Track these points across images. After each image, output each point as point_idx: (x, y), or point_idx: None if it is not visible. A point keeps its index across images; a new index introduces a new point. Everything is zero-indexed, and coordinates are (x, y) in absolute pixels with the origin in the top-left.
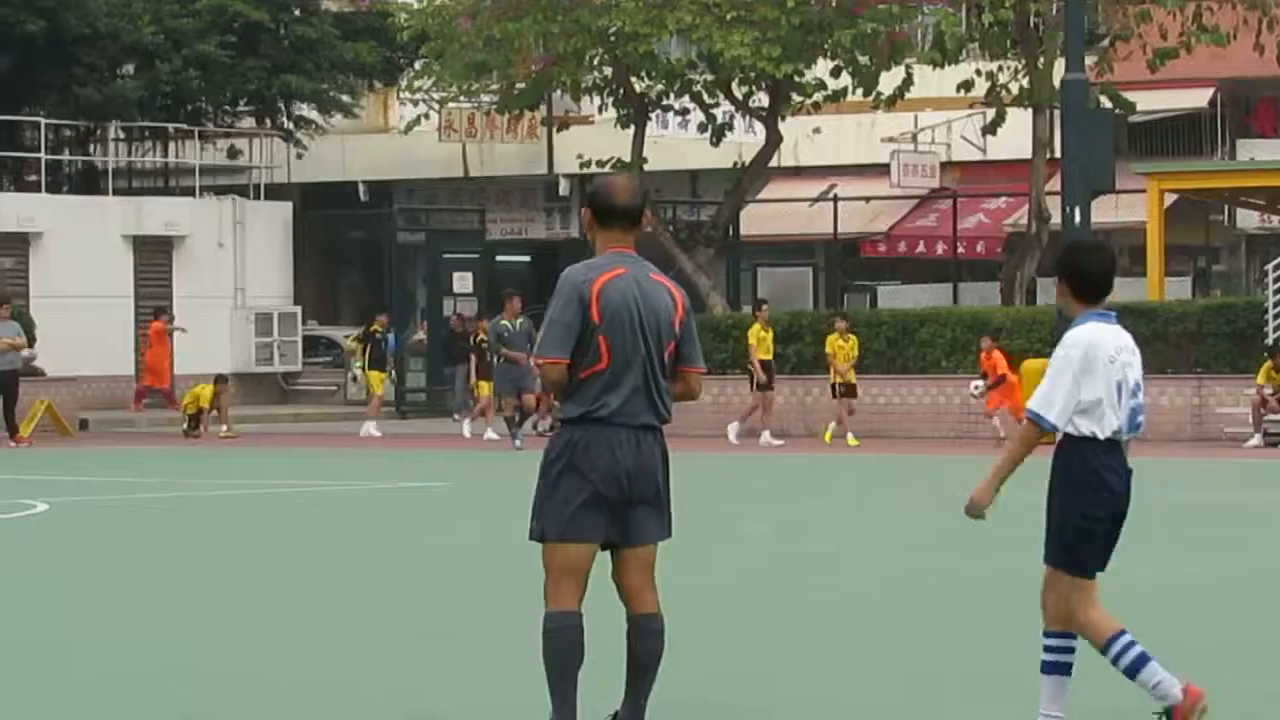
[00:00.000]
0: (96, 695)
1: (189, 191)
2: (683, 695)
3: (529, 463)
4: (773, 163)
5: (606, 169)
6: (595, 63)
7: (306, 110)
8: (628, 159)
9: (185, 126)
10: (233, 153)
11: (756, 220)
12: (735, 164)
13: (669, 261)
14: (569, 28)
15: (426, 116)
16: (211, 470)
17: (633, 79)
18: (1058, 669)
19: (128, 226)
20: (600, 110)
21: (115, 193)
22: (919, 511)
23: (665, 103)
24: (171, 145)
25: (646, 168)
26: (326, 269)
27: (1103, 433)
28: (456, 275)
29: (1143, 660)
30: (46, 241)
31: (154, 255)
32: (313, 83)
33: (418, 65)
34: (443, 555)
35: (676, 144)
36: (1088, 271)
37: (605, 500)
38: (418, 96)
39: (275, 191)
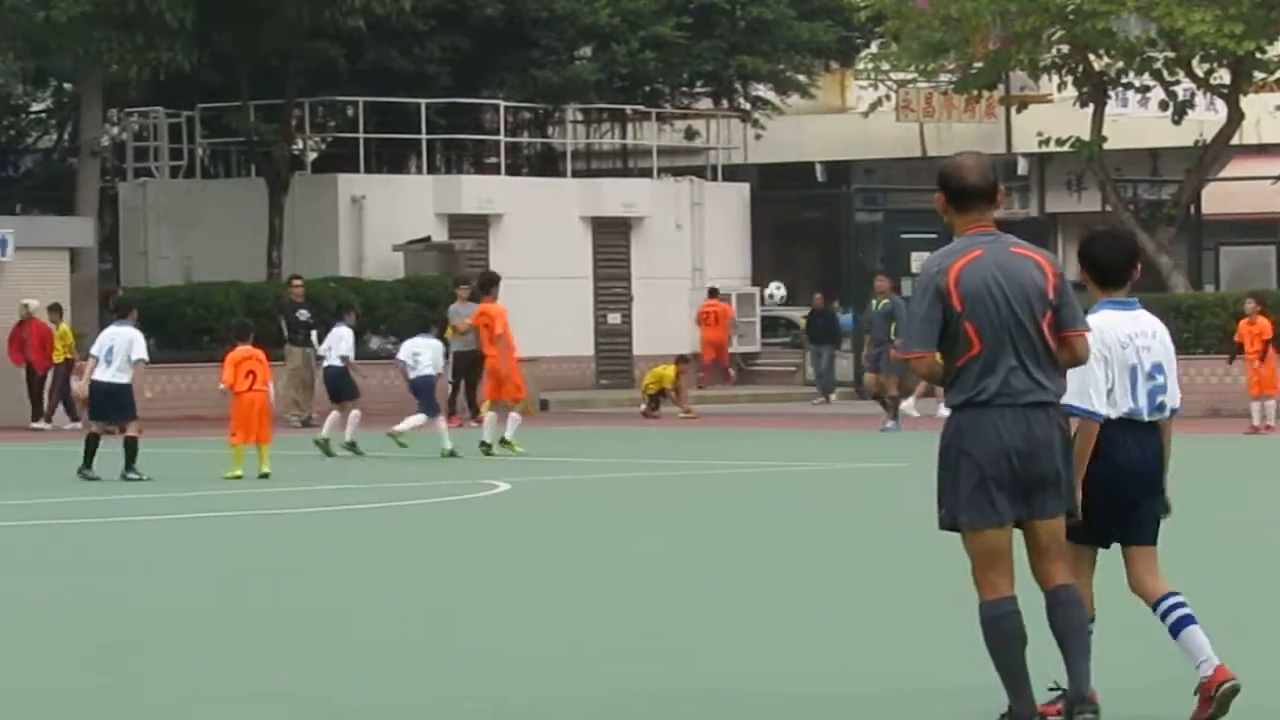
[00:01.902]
0: (621, 653)
1: (646, 173)
2: None
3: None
4: (1234, 140)
5: (1065, 148)
6: (1053, 41)
7: (763, 91)
8: (1086, 138)
9: (642, 108)
10: (690, 134)
11: (1218, 199)
12: (1196, 142)
13: None
14: (1026, 6)
15: (887, 98)
16: (669, 451)
17: (1091, 57)
18: (1181, 624)
19: (586, 208)
20: (1059, 89)
21: (573, 174)
22: None
23: (1124, 80)
24: (629, 127)
25: (1106, 146)
26: (784, 250)
27: (1115, 413)
28: (914, 255)
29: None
30: (506, 223)
31: (612, 236)
32: (769, 63)
33: (874, 46)
34: (887, 537)
35: (1136, 122)
36: (1101, 260)
37: (1000, 481)
38: (876, 78)
39: (732, 172)
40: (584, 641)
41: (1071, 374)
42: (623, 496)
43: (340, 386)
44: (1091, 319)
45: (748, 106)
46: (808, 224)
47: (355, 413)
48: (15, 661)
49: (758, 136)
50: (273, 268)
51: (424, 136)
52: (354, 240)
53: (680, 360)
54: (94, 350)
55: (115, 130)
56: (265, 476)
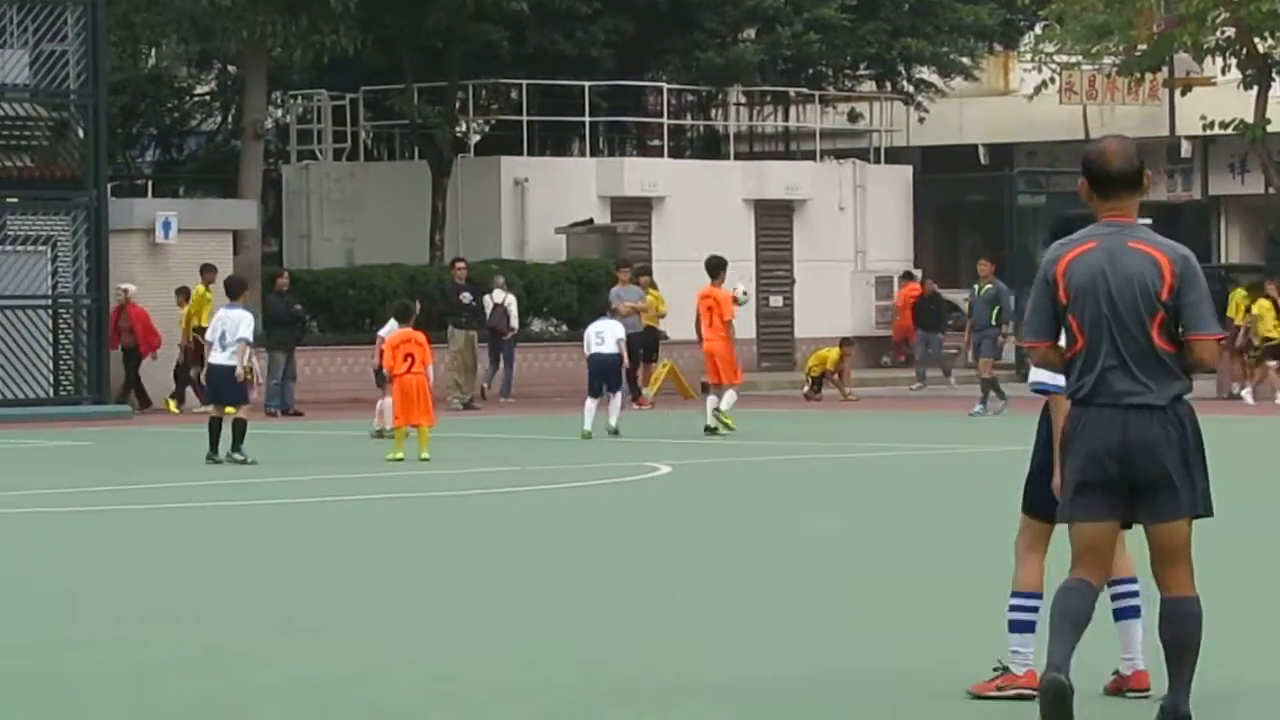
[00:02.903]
0: (797, 633)
1: (809, 155)
2: None
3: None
4: None
5: (1229, 130)
6: (1217, 23)
7: (926, 73)
8: (1250, 120)
9: (806, 90)
10: (853, 116)
11: None
12: None
13: None
14: None
15: (1052, 80)
16: (830, 433)
17: (1255, 39)
18: (1126, 614)
19: (749, 190)
20: (1223, 71)
21: (736, 157)
22: None
23: None
24: (792, 109)
25: (1270, 129)
26: (946, 232)
27: None
28: None
29: (1022, 628)
30: (669, 206)
31: (775, 219)
32: (933, 46)
33: (1038, 28)
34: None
35: None
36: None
37: (1096, 481)
38: (1039, 60)
39: (895, 155)
40: (759, 620)
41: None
42: (784, 478)
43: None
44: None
45: (911, 89)
46: (971, 207)
47: (386, 400)
48: (204, 628)
49: (921, 119)
50: (435, 250)
51: (587, 119)
52: (516, 223)
53: (844, 343)
54: (209, 334)
55: (279, 113)
56: (425, 460)
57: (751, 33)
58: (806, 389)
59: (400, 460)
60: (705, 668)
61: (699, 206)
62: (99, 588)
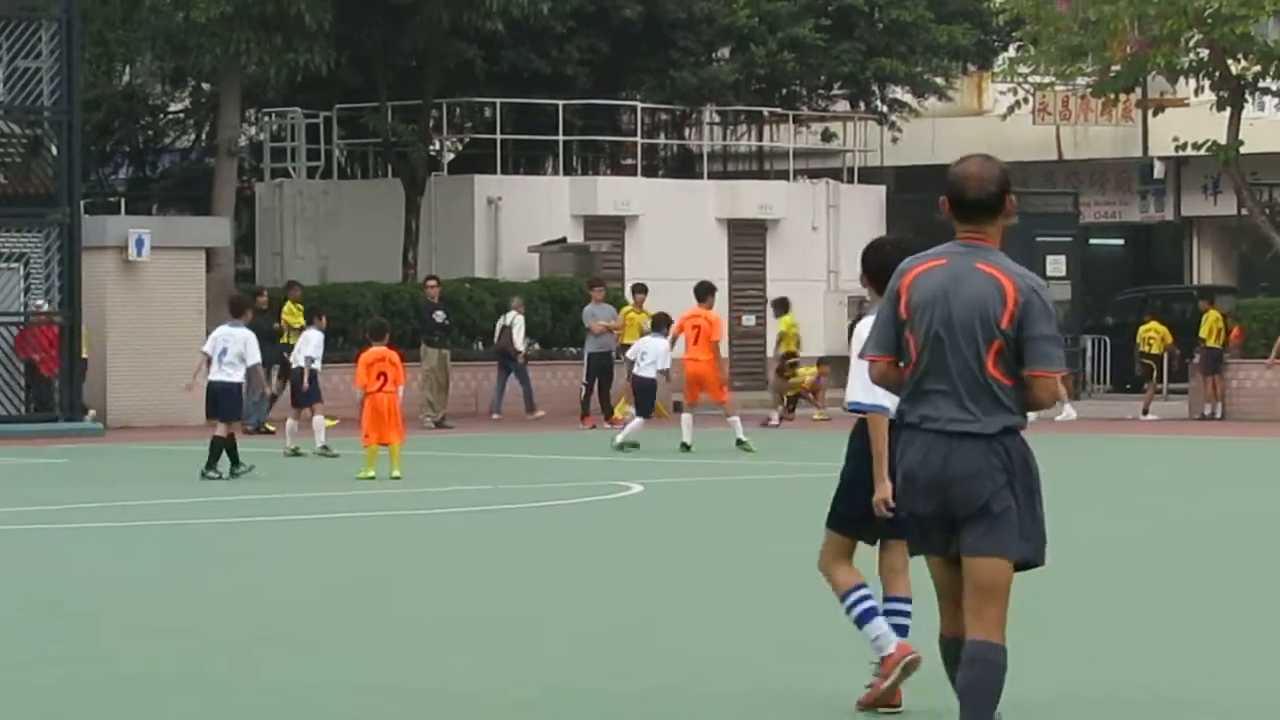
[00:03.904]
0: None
1: (783, 175)
2: None
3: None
4: None
5: (1202, 151)
6: (1191, 44)
7: (900, 93)
8: (1223, 141)
9: (780, 110)
10: (827, 136)
11: None
12: None
13: (1265, 244)
14: (1165, 9)
15: (1025, 101)
16: (803, 452)
17: (1229, 61)
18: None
19: (722, 209)
20: (1196, 92)
21: (710, 176)
22: None
23: (1262, 84)
24: (766, 129)
25: (1243, 150)
26: (920, 251)
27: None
28: (1050, 258)
29: (870, 615)
30: (642, 224)
31: (748, 238)
32: (907, 66)
33: (1012, 49)
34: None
35: (1273, 125)
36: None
37: (923, 511)
38: (1013, 81)
39: (869, 174)
40: (728, 639)
41: (856, 368)
42: (756, 497)
43: (305, 391)
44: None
45: (885, 109)
46: (944, 226)
47: (318, 418)
48: (142, 651)
49: (894, 139)
50: (408, 269)
51: (561, 138)
52: (490, 241)
53: (820, 363)
54: (207, 348)
55: (253, 130)
56: (397, 478)
57: (726, 52)
58: (781, 410)
59: (372, 479)
60: (675, 685)
61: (672, 225)
62: (76, 603)
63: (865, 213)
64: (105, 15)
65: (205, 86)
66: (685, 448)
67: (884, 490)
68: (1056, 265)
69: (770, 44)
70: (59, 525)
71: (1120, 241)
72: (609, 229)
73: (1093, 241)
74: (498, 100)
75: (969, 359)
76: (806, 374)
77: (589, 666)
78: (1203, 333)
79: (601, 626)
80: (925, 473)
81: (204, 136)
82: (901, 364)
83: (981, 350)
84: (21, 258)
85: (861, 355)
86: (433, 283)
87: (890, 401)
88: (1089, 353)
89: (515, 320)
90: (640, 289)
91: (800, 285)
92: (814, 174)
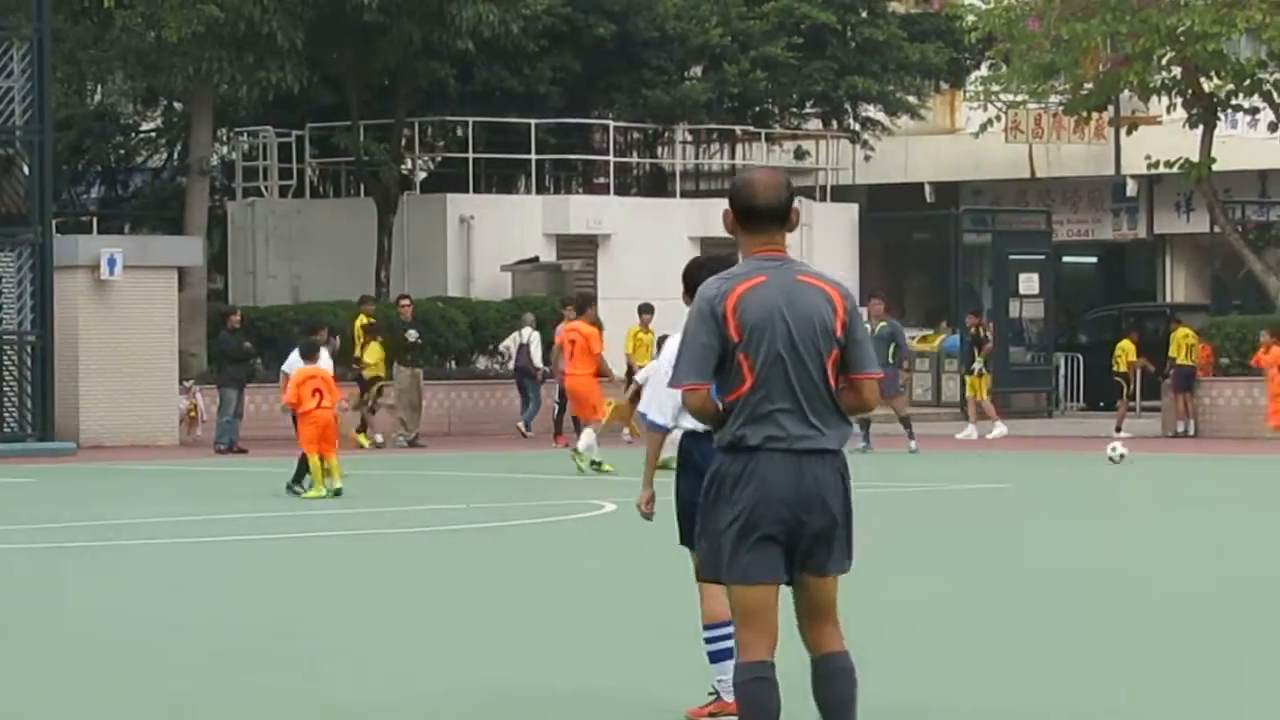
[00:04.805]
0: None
1: None
2: None
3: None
4: None
5: (1174, 169)
6: (1163, 63)
7: (873, 112)
8: (1195, 159)
9: (752, 128)
10: (799, 154)
11: None
12: None
13: (1238, 262)
14: (1137, 28)
15: (997, 119)
16: None
17: (1201, 79)
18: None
19: (695, 228)
20: (1168, 110)
21: (682, 194)
22: None
23: (1234, 102)
24: (738, 147)
25: (1215, 168)
26: (892, 270)
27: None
28: (1023, 276)
29: (725, 655)
30: (615, 243)
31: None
32: (879, 84)
33: (984, 68)
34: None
35: (1245, 143)
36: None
37: (767, 534)
38: (985, 99)
39: (841, 193)
40: (699, 655)
41: (652, 384)
42: None
43: None
44: None
45: (857, 127)
46: (916, 245)
47: None
48: (117, 668)
49: (867, 158)
50: (381, 287)
51: (533, 156)
52: (462, 260)
53: None
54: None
55: (225, 149)
56: (338, 494)
57: (698, 71)
58: None
59: (324, 496)
60: (646, 699)
61: (645, 244)
62: (36, 624)
63: (838, 231)
64: (77, 35)
65: (177, 106)
66: (596, 466)
67: (645, 495)
68: (1029, 283)
69: (743, 63)
70: (22, 545)
71: (1093, 259)
72: (581, 248)
73: (1066, 259)
74: (470, 119)
75: (814, 373)
76: None
77: (561, 685)
78: (1173, 351)
79: (572, 641)
80: (778, 494)
81: (176, 156)
82: (718, 388)
83: (824, 363)
84: None
85: (674, 384)
86: (405, 302)
87: (672, 421)
88: (1062, 371)
89: (531, 337)
90: (647, 309)
91: None
92: None
